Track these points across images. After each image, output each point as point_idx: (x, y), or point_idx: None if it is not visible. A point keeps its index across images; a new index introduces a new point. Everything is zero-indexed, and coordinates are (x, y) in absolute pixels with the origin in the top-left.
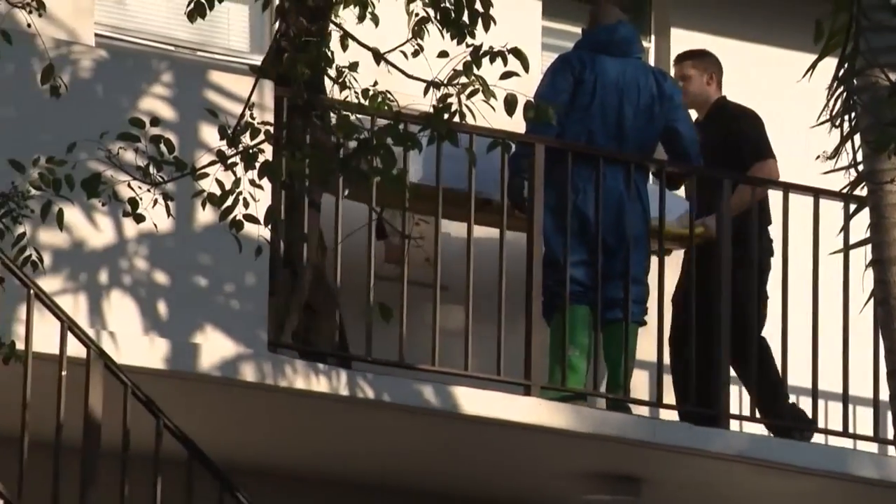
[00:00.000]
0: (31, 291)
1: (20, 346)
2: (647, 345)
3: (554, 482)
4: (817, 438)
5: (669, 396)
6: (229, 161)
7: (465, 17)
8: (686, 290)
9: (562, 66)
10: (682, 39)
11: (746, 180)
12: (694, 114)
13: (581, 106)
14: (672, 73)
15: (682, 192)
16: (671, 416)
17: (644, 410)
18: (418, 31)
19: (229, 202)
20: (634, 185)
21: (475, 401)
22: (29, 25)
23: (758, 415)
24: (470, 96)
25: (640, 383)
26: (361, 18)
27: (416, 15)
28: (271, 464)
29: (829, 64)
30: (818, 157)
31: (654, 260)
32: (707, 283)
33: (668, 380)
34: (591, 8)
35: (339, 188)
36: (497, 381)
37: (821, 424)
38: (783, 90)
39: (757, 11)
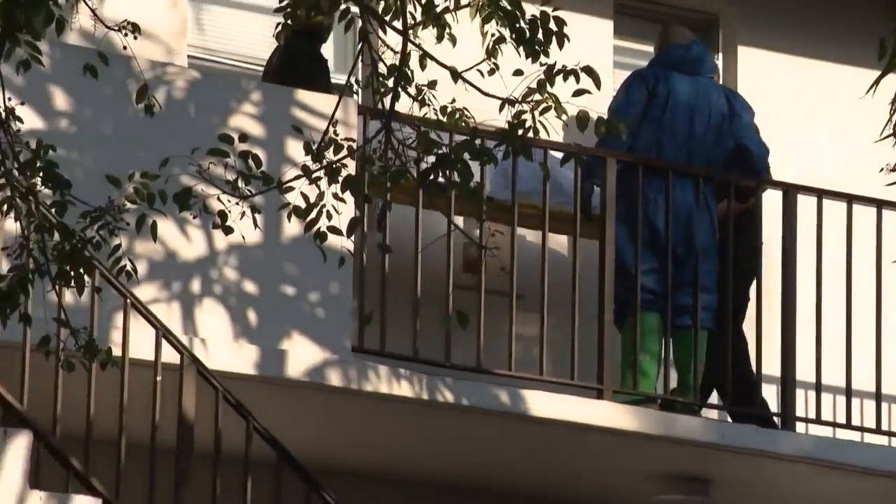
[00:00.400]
0: (128, 300)
1: (117, 352)
2: None
3: (625, 482)
4: (881, 440)
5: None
6: (314, 175)
7: (540, 36)
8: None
9: (636, 80)
10: (750, 57)
11: (811, 191)
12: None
13: (653, 118)
14: None
15: None
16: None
17: (713, 413)
18: (493, 50)
19: (314, 214)
20: (703, 197)
21: (550, 404)
22: (125, 47)
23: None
24: (543, 112)
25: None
26: (440, 39)
27: (492, 35)
28: (356, 464)
29: (893, 80)
30: (881, 169)
31: None
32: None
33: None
34: (661, 29)
35: (418, 201)
36: (571, 386)
37: (884, 427)
38: (847, 105)
39: (822, 29)
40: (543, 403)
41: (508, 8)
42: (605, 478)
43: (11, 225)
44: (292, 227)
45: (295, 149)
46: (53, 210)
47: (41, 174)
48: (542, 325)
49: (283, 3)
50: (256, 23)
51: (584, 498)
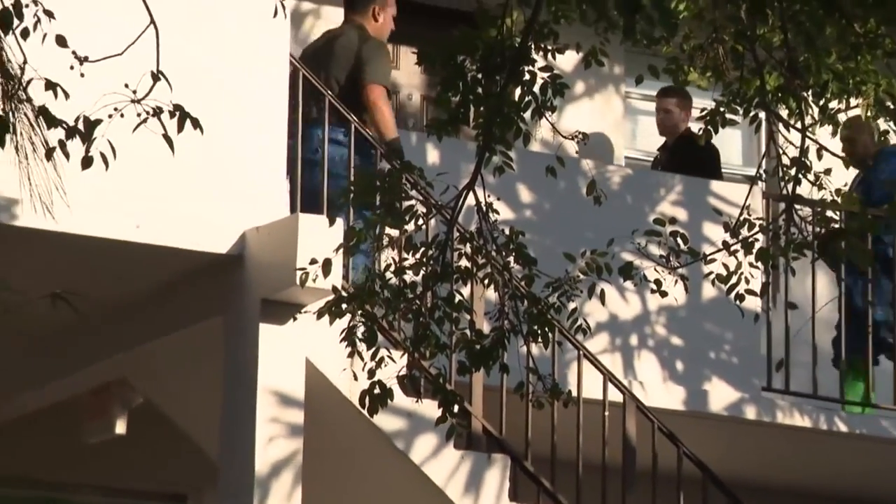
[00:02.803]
0: (580, 352)
1: (575, 393)
2: None
3: None
4: None
5: None
6: (732, 249)
7: None
8: None
9: None
10: None
11: None
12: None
13: None
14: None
15: None
16: None
17: None
18: (884, 141)
19: (734, 280)
20: None
21: None
22: (577, 152)
23: None
24: None
25: None
26: (834, 134)
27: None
28: (767, 483)
29: None
30: None
31: None
32: None
33: None
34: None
35: (813, 270)
36: None
37: None
38: None
39: None
40: None
41: (891, 106)
42: None
43: (491, 294)
44: (710, 291)
45: (710, 229)
46: (523, 282)
47: (514, 254)
48: None
49: (704, 114)
50: None
51: None
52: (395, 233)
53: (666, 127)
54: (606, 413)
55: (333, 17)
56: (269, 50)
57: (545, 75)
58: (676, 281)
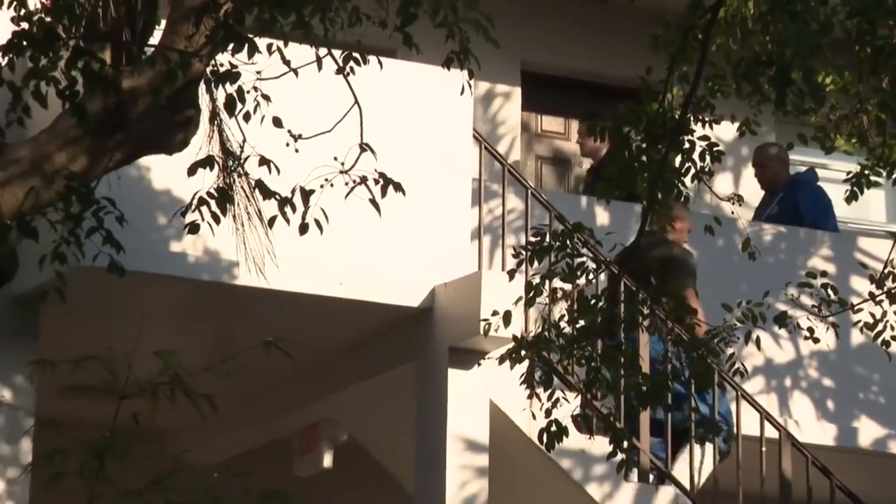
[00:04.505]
0: (738, 393)
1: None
2: None
3: None
4: None
5: None
6: (878, 299)
7: None
8: None
9: None
10: None
11: None
12: None
13: None
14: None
15: None
16: None
17: None
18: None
19: (880, 327)
20: None
21: None
22: (732, 212)
23: None
24: None
25: None
26: None
27: None
28: None
29: None
30: None
31: None
32: None
33: None
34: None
35: None
36: None
37: None
38: None
39: None
40: None
41: None
42: None
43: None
44: (857, 336)
45: (856, 281)
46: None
47: (676, 305)
48: None
49: (850, 176)
50: (831, 188)
51: None
52: (568, 286)
53: (587, 153)
54: (764, 449)
55: (515, 97)
56: (456, 125)
57: (703, 143)
58: (828, 328)
